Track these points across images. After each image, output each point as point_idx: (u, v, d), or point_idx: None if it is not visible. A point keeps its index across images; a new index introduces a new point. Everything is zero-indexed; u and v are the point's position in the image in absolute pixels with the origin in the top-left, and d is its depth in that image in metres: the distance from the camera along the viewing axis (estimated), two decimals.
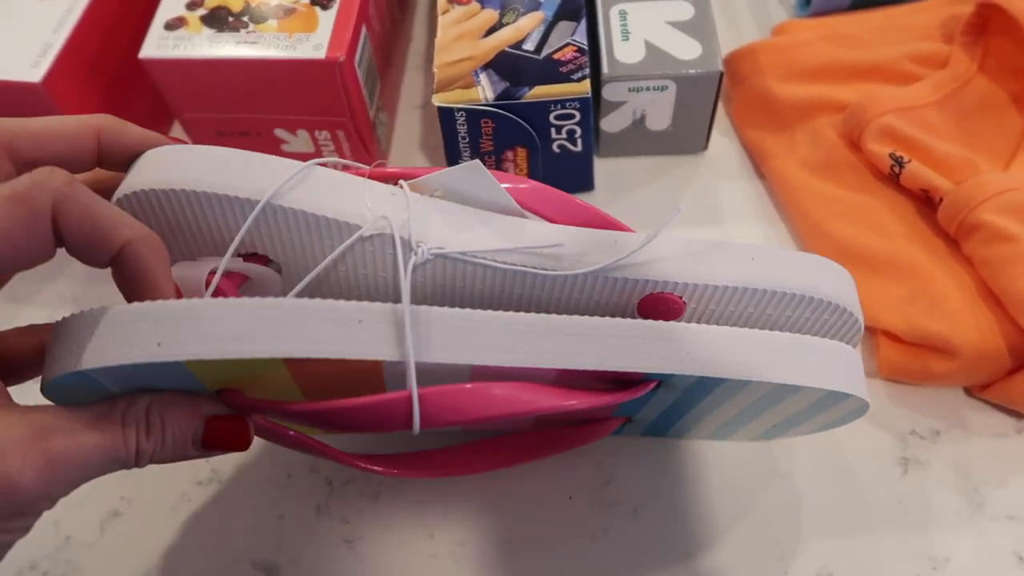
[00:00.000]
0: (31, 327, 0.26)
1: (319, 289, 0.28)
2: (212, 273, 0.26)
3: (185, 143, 0.26)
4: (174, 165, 0.25)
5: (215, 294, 0.26)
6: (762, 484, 0.33)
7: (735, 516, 0.33)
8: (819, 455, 0.34)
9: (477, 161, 0.27)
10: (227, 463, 0.34)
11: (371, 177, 0.27)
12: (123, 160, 0.26)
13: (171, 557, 0.33)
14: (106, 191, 0.26)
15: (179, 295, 0.24)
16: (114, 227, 0.22)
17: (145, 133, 0.26)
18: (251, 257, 0.27)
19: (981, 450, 0.33)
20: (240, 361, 0.22)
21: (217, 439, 0.24)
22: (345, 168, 0.28)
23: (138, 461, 0.23)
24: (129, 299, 0.24)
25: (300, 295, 0.26)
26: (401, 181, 0.27)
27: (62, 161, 0.24)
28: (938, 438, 0.34)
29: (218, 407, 0.24)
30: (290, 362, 0.23)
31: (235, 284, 0.27)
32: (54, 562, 0.33)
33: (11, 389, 0.23)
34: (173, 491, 0.34)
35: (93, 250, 0.22)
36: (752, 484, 0.33)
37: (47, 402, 0.23)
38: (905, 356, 0.34)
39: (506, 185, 0.28)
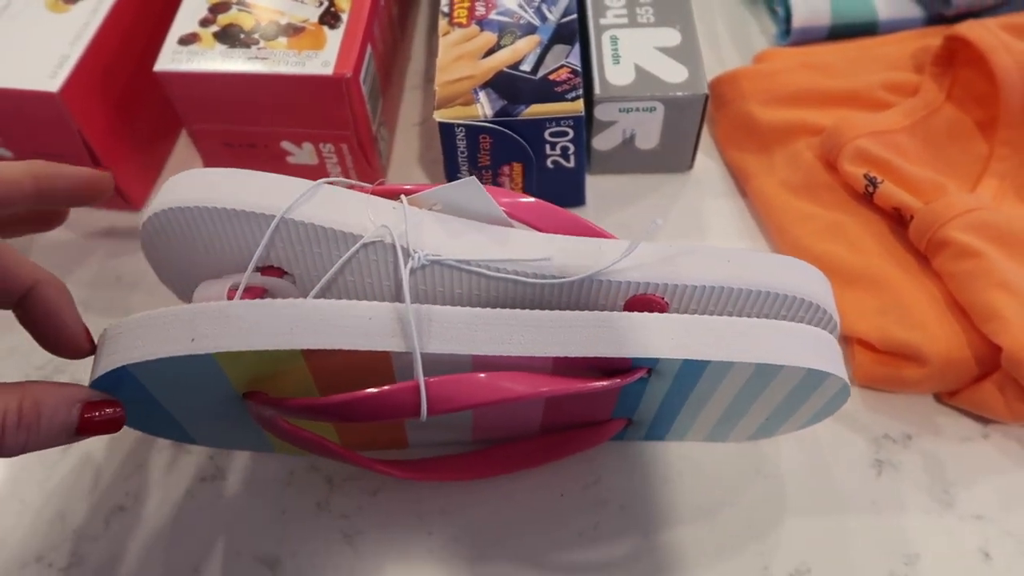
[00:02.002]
0: None
1: (330, 296, 0.30)
2: (233, 289, 0.28)
3: (107, 173, 0.29)
4: (196, 186, 0.28)
5: None
6: (743, 484, 0.35)
7: (717, 514, 0.34)
8: (798, 457, 0.35)
9: (472, 177, 0.29)
10: (231, 461, 0.36)
11: (374, 193, 0.30)
12: (61, 198, 0.28)
13: (174, 550, 0.33)
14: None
15: (88, 337, 0.26)
16: (21, 271, 0.24)
17: (78, 170, 0.28)
18: (268, 270, 0.29)
19: (950, 453, 0.35)
20: (264, 354, 0.25)
21: (91, 425, 0.25)
22: (350, 186, 0.30)
23: (4, 453, 0.24)
24: (39, 339, 0.26)
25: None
26: (401, 195, 0.29)
27: (2, 205, 0.26)
28: (910, 442, 0.36)
29: (91, 393, 0.25)
30: (308, 355, 0.25)
31: (255, 297, 0.29)
32: (59, 554, 0.33)
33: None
34: (177, 487, 0.35)
35: (1, 293, 0.24)
36: (734, 484, 0.35)
37: None
38: (878, 364, 0.36)
39: (506, 200, 0.30)
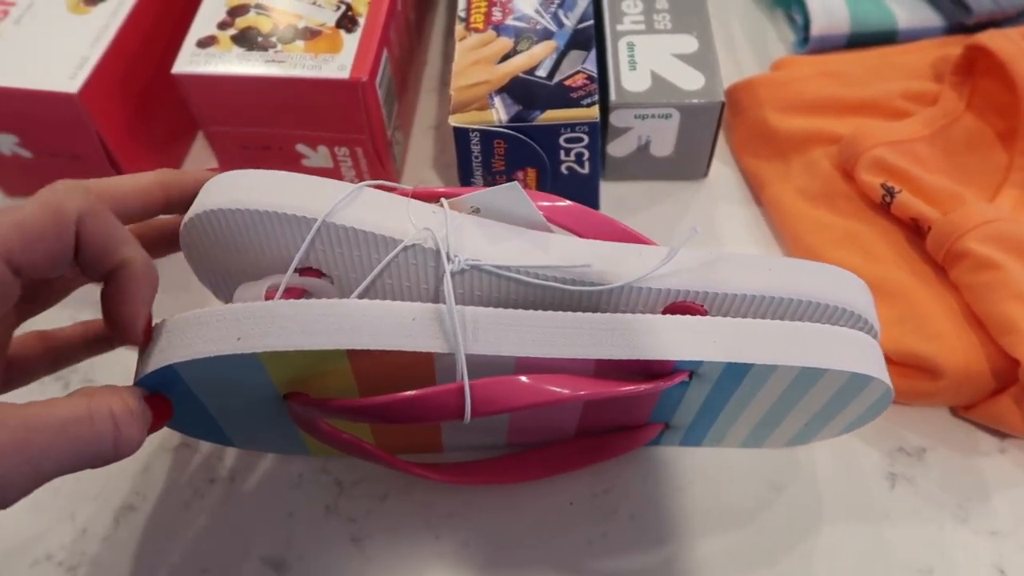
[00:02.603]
0: (75, 326, 0.28)
1: (369, 298, 0.30)
2: (272, 289, 0.28)
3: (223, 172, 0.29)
4: (239, 188, 0.28)
5: None
6: (755, 496, 0.34)
7: (728, 526, 0.34)
8: (811, 469, 0.35)
9: (515, 182, 0.29)
10: (241, 463, 0.36)
11: (415, 196, 0.30)
12: (187, 205, 0.29)
13: (183, 551, 0.34)
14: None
15: (149, 324, 0.26)
16: (121, 243, 0.24)
17: (199, 173, 0.29)
18: (307, 271, 0.29)
19: (965, 467, 0.35)
20: (308, 354, 0.25)
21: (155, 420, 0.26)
22: (390, 189, 0.30)
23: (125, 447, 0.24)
24: (105, 316, 0.26)
25: None
26: (442, 199, 0.29)
27: (137, 216, 0.27)
28: (924, 455, 0.35)
29: (140, 391, 0.26)
30: (352, 355, 0.25)
31: (295, 297, 0.29)
32: (69, 553, 0.34)
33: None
34: (187, 488, 0.35)
35: (100, 259, 0.24)
36: (746, 496, 0.34)
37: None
38: (894, 376, 0.35)
39: (544, 203, 0.30)
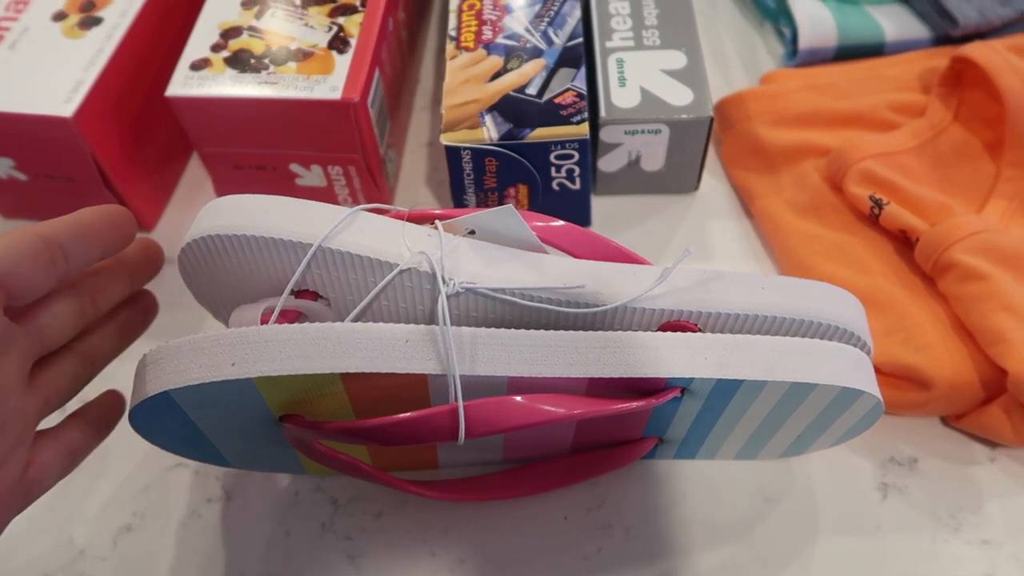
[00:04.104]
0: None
1: (364, 320, 0.30)
2: (268, 312, 0.28)
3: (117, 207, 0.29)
4: (236, 213, 0.28)
5: None
6: (748, 508, 0.35)
7: (723, 538, 0.34)
8: (804, 480, 0.35)
9: (509, 205, 0.29)
10: (237, 482, 0.36)
11: (410, 218, 0.30)
12: (85, 253, 0.27)
13: (181, 571, 0.34)
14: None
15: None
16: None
17: (80, 214, 0.27)
18: (302, 294, 0.30)
19: (957, 477, 0.35)
20: (303, 378, 0.25)
21: None
22: (386, 212, 0.30)
23: None
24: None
25: None
26: (436, 221, 0.30)
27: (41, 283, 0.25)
28: (916, 465, 0.36)
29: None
30: (346, 378, 0.26)
31: (290, 320, 0.29)
32: (67, 574, 0.34)
33: None
34: (184, 508, 0.35)
35: None
36: (741, 508, 0.35)
37: None
38: (884, 386, 0.36)
39: (538, 224, 0.31)
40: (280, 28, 0.40)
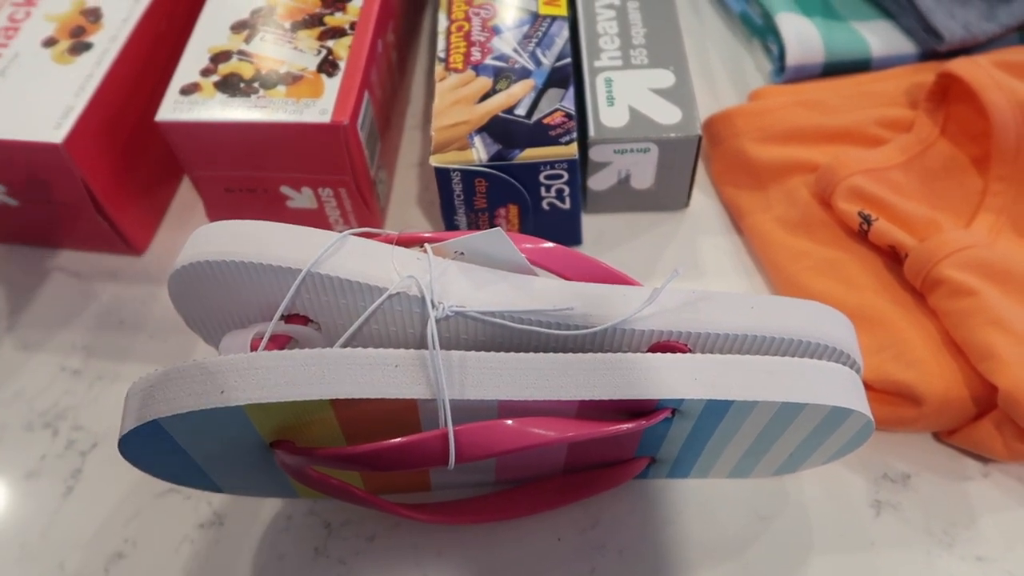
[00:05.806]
0: None
1: (354, 345, 0.30)
2: (258, 337, 0.28)
3: None
4: (226, 239, 0.28)
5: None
6: (742, 527, 0.35)
7: (716, 558, 0.34)
8: (798, 498, 0.35)
9: (498, 228, 0.29)
10: (230, 507, 0.36)
11: (399, 241, 0.30)
12: None
13: None
14: None
15: None
16: None
17: None
18: (293, 318, 0.30)
19: (950, 492, 0.35)
20: (292, 404, 0.25)
21: None
22: (375, 236, 0.30)
23: None
24: None
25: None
26: (425, 244, 0.30)
27: None
28: (908, 481, 0.36)
29: None
30: (336, 404, 0.26)
31: (280, 345, 0.29)
32: None
33: None
34: (176, 533, 0.35)
35: None
36: (733, 527, 0.35)
37: None
38: (875, 403, 0.36)
39: (527, 246, 0.31)
40: (269, 52, 0.40)
